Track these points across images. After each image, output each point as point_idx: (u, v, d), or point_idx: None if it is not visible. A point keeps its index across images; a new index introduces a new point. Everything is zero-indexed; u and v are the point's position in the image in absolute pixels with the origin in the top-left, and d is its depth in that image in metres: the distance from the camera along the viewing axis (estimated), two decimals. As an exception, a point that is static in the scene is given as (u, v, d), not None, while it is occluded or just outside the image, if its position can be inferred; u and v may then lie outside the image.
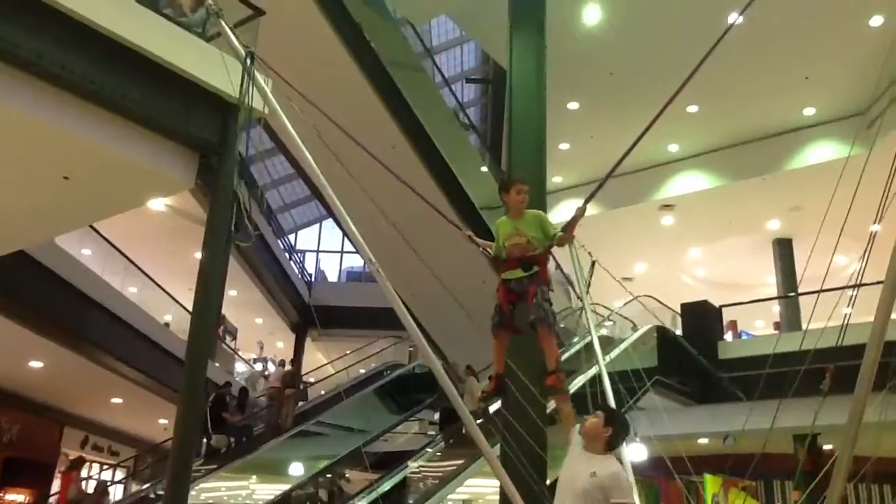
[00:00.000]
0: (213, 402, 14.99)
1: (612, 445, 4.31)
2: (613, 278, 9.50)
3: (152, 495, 13.11)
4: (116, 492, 18.43)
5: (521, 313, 4.70)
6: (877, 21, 14.74)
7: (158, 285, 17.71)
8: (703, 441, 15.05)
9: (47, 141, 6.29)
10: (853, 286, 6.36)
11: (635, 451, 7.79)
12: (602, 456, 4.25)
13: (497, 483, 7.59)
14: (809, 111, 17.30)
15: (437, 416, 14.35)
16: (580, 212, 4.86)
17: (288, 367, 16.98)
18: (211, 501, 17.06)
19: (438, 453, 12.44)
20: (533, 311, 4.64)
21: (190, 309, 6.81)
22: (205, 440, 14.43)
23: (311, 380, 20.86)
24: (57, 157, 6.52)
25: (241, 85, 5.94)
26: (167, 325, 17.67)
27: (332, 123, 5.30)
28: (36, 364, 14.85)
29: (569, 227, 4.82)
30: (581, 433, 4.41)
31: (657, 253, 21.52)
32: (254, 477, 16.41)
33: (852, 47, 15.34)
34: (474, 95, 26.10)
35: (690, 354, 14.87)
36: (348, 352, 23.43)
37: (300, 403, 16.62)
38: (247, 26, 6.87)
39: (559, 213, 19.40)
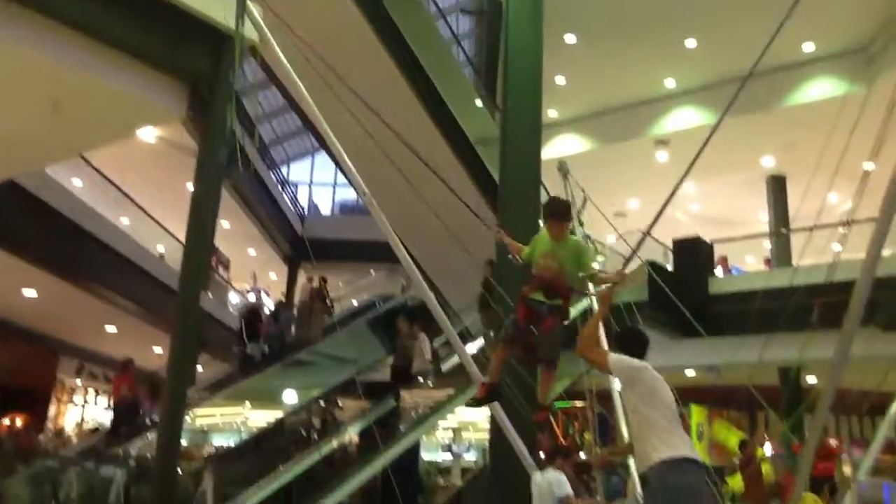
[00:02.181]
0: (247, 315, 16.25)
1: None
2: (606, 219, 9.51)
3: (147, 421, 13.31)
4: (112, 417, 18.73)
5: (538, 339, 4.51)
6: (881, -47, 14.45)
7: (149, 215, 17.67)
8: (691, 373, 15.31)
9: (35, 70, 6.19)
10: (845, 223, 6.41)
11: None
12: None
13: (487, 411, 7.75)
14: (809, 47, 17.06)
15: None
16: (620, 275, 4.51)
17: (315, 282, 17.32)
18: (206, 428, 17.35)
19: (430, 383, 12.64)
20: (543, 350, 4.52)
21: (183, 240, 6.83)
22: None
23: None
24: (45, 86, 6.44)
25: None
26: (161, 256, 17.69)
27: (325, 55, 5.22)
28: (29, 293, 14.91)
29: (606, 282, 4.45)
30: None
31: (651, 189, 21.46)
32: (248, 403, 16.67)
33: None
34: (469, 27, 25.59)
35: (680, 289, 14.97)
36: (341, 283, 23.55)
37: (325, 317, 17.33)
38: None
39: (553, 149, 19.29)
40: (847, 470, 13.78)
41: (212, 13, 6.33)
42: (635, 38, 16.69)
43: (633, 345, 4.48)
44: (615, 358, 4.28)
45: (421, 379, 12.63)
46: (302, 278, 25.19)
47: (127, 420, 13.46)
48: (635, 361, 4.30)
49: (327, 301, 17.52)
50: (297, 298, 18.68)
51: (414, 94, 13.31)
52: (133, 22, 6.23)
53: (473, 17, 25.07)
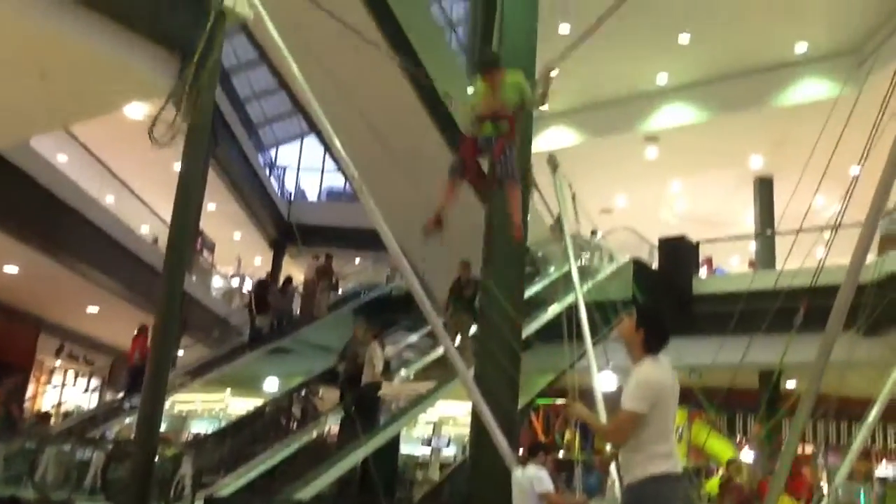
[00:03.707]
0: (256, 287, 16.77)
1: (650, 348, 4.01)
2: (589, 219, 9.47)
3: (127, 406, 13.18)
4: (91, 400, 18.60)
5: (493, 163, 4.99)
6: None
7: (135, 194, 17.52)
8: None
9: (23, 37, 6.09)
10: (831, 227, 6.40)
11: (606, 381, 7.94)
12: (637, 365, 4.02)
13: (469, 405, 7.72)
14: (801, 47, 17.07)
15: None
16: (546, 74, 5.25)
17: (321, 260, 17.58)
18: (185, 413, 17.20)
19: (412, 376, 12.59)
20: (500, 168, 4.93)
21: (168, 220, 6.75)
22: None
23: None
24: (33, 54, 6.34)
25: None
26: (156, 241, 17.51)
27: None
28: (10, 269, 14.74)
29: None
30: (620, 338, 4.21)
31: (638, 186, 21.49)
32: (228, 390, 16.55)
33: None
34: (464, 10, 25.37)
35: (665, 288, 15.02)
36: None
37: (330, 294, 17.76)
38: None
39: (543, 141, 19.21)
40: (822, 476, 13.93)
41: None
42: (630, 31, 16.59)
43: (660, 334, 4.08)
44: (629, 409, 3.87)
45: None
46: (292, 261, 25.15)
47: (138, 386, 13.39)
48: (653, 382, 3.91)
49: (333, 279, 17.82)
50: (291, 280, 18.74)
51: (406, 80, 13.13)
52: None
53: (467, -1, 24.85)
